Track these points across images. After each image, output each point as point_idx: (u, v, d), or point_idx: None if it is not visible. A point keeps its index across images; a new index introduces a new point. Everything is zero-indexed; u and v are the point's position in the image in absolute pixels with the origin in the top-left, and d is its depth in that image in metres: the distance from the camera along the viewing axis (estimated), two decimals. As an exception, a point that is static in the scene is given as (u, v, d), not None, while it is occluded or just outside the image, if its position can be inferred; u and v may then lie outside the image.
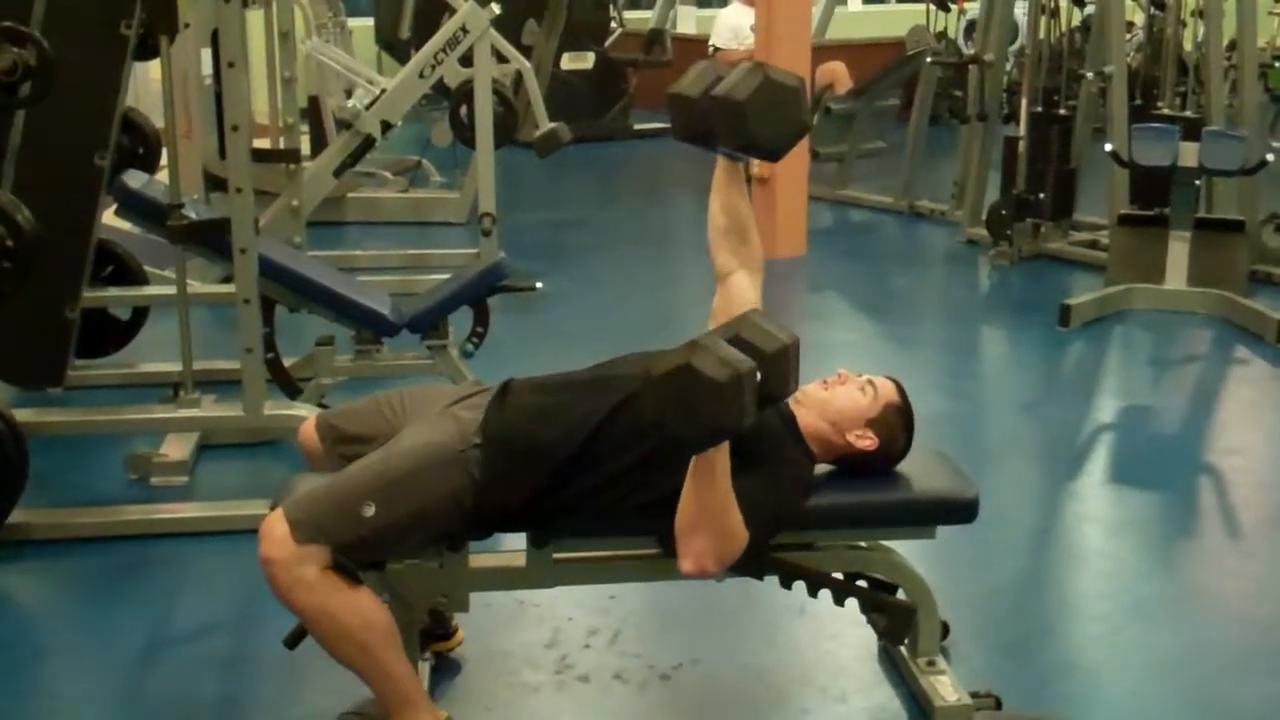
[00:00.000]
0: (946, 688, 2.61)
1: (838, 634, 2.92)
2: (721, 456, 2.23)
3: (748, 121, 2.44)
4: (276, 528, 2.27)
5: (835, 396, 2.57)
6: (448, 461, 2.37)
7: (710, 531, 2.28)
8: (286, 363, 4.05)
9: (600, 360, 2.63)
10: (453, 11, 6.10)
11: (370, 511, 2.30)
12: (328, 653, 2.34)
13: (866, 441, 2.55)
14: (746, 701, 2.72)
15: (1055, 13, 6.75)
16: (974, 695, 2.60)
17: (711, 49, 9.35)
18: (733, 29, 9.29)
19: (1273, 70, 9.46)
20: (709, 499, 2.26)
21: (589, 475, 2.40)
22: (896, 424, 2.59)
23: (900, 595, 2.66)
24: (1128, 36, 7.35)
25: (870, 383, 2.60)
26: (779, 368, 2.23)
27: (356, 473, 2.38)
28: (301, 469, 2.73)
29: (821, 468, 2.59)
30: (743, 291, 2.63)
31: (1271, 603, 3.21)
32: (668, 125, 2.71)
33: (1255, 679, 2.82)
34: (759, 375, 2.17)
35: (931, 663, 2.68)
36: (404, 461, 2.37)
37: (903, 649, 2.74)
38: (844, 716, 2.66)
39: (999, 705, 2.59)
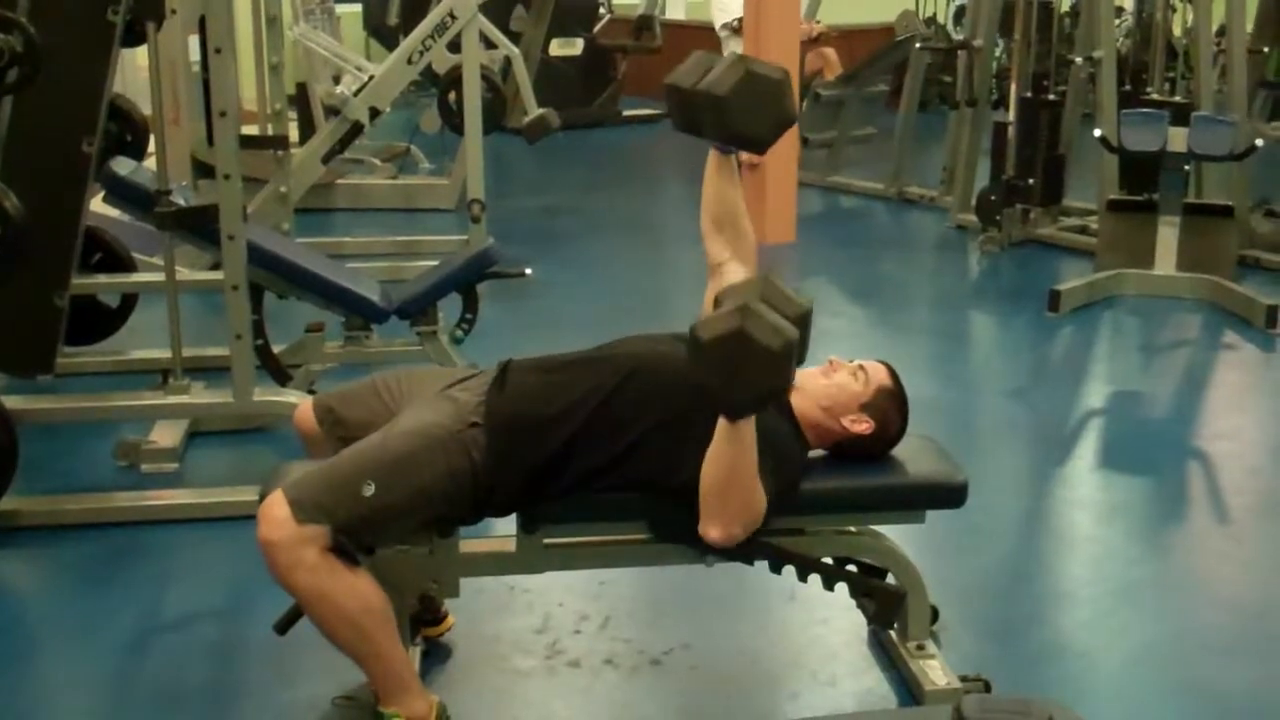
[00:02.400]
0: (936, 671, 2.62)
1: (828, 619, 2.93)
2: (751, 422, 2.22)
3: (730, 115, 2.47)
4: (276, 510, 2.26)
5: (827, 383, 2.58)
6: (445, 441, 2.37)
7: (740, 498, 2.27)
8: (276, 349, 4.05)
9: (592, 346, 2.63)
10: (441, -3, 6.08)
11: (370, 490, 2.29)
12: (324, 635, 2.34)
13: (862, 425, 2.56)
14: (737, 686, 2.73)
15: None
16: (963, 679, 2.61)
17: (731, 26, 8.75)
18: (723, 8, 9.13)
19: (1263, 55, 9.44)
20: (742, 464, 2.24)
21: (589, 456, 2.41)
22: (890, 407, 2.59)
23: (890, 580, 2.67)
24: (1117, 22, 7.34)
25: (862, 367, 2.62)
26: (804, 334, 2.25)
27: (354, 453, 2.38)
28: (291, 455, 2.73)
29: (815, 453, 2.60)
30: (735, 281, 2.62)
31: (1259, 587, 3.22)
32: (657, 111, 2.72)
33: (1242, 663, 2.83)
34: None
35: (921, 647, 2.69)
36: (401, 442, 2.37)
37: (892, 633, 2.75)
38: (834, 700, 2.67)
39: (988, 689, 2.60)
